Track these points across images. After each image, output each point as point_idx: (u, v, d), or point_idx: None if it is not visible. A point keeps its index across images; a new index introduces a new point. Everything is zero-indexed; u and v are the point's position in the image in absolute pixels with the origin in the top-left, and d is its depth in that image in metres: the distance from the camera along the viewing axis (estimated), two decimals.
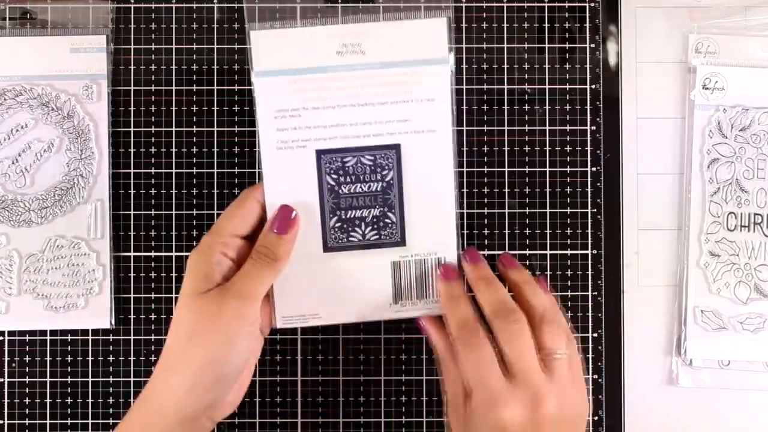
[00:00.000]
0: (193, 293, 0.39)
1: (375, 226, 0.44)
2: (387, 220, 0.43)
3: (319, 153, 0.43)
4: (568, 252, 0.48)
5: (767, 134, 0.48)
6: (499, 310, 0.40)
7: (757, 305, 0.48)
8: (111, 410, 0.48)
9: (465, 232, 0.48)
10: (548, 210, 0.48)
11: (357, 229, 0.43)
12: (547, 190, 0.49)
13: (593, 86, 0.49)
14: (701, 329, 0.48)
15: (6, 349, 0.48)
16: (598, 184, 0.49)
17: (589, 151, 0.49)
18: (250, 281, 0.39)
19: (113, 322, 0.47)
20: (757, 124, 0.48)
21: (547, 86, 0.49)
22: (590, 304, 0.48)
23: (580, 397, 0.40)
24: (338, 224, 0.43)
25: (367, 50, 0.42)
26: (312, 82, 0.42)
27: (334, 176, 0.43)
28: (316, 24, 0.42)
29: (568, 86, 0.49)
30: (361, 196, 0.43)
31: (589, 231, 0.49)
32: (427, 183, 0.43)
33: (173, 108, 0.48)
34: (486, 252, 0.48)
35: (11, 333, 0.48)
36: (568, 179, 0.49)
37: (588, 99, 0.49)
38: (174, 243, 0.48)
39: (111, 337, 0.48)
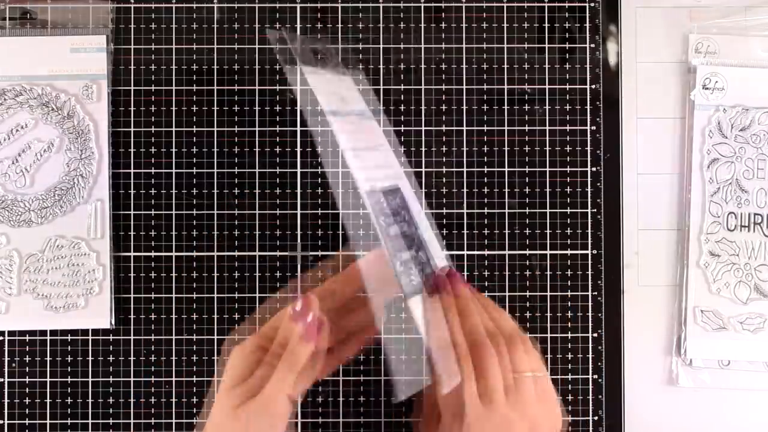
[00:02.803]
0: (229, 397, 0.38)
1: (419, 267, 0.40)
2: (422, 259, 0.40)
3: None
4: (568, 252, 0.48)
5: (767, 134, 0.48)
6: (472, 341, 0.39)
7: (757, 305, 0.48)
8: (111, 410, 0.48)
9: (465, 232, 0.48)
10: (548, 210, 0.48)
11: (412, 269, 0.39)
12: (547, 190, 0.49)
13: (593, 86, 0.49)
14: (701, 329, 0.48)
15: (6, 349, 0.48)
16: (598, 184, 0.49)
17: (589, 151, 0.49)
18: (279, 391, 0.37)
19: (113, 322, 0.47)
20: (757, 124, 0.48)
21: (547, 86, 0.49)
22: (590, 304, 0.48)
23: (551, 411, 0.40)
24: (401, 268, 0.38)
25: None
26: (352, 124, 0.40)
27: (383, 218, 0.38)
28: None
29: (568, 86, 0.49)
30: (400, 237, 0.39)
31: (589, 231, 0.49)
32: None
33: (173, 108, 0.48)
34: (486, 252, 0.48)
35: (11, 333, 0.48)
36: (568, 179, 0.49)
37: (588, 99, 0.49)
38: (174, 243, 0.48)
39: (111, 337, 0.48)
